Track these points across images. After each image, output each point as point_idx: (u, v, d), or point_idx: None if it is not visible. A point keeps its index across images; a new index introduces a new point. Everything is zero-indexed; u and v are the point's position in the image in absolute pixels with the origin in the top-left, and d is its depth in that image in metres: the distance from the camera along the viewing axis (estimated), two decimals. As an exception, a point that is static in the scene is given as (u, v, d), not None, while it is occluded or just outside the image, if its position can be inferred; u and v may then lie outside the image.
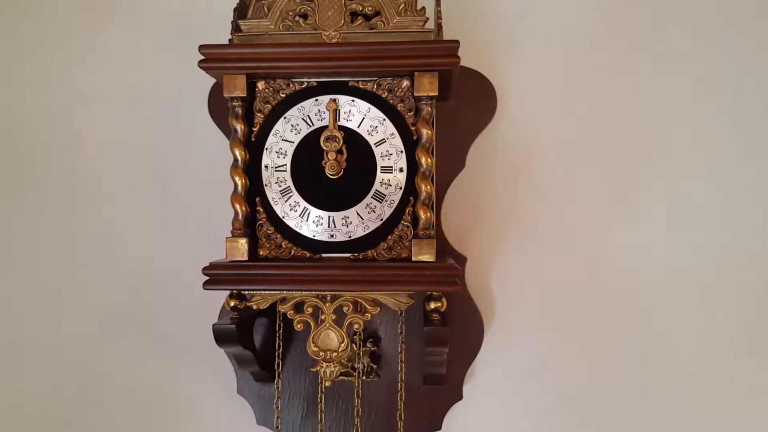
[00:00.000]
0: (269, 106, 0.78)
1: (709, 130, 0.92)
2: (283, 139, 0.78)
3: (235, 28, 0.79)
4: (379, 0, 0.77)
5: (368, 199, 0.77)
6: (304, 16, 0.78)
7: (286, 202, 0.78)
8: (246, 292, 0.80)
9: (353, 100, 0.77)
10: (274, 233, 0.78)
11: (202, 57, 0.75)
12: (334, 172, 0.76)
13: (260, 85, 0.78)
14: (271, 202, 0.78)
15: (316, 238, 0.77)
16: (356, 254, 0.77)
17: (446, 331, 0.78)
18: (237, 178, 0.76)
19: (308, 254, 0.77)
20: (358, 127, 0.77)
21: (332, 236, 0.77)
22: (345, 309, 0.77)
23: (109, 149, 0.99)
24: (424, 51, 0.73)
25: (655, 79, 0.93)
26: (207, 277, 0.76)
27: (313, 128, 0.77)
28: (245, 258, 0.76)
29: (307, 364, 0.91)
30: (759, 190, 0.91)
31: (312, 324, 0.77)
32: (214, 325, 0.79)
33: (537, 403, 0.93)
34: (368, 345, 0.89)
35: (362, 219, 0.77)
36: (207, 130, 0.93)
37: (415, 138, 0.76)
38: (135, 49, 0.99)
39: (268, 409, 0.91)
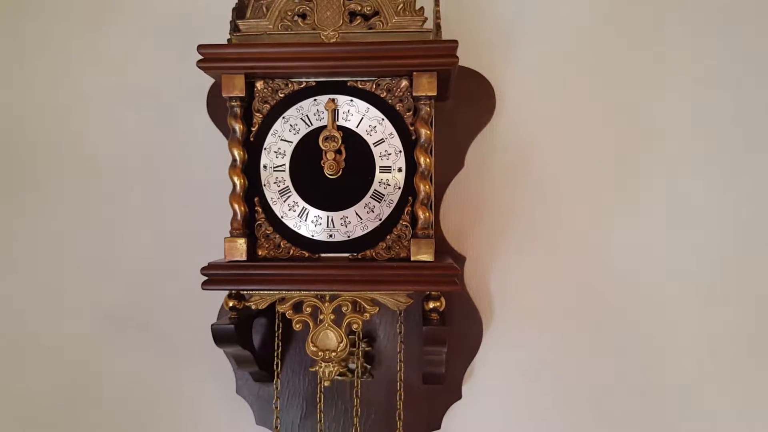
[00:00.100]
0: (268, 105, 0.78)
1: (709, 130, 0.92)
2: (281, 139, 0.78)
3: (234, 28, 0.79)
4: (377, 0, 0.77)
5: (367, 198, 0.77)
6: (303, 16, 0.78)
7: (284, 202, 0.78)
8: (245, 292, 0.80)
9: (352, 100, 0.77)
10: (273, 233, 0.78)
11: (201, 57, 0.75)
12: (333, 172, 0.76)
13: (259, 85, 0.78)
14: (270, 202, 0.78)
15: (314, 238, 0.77)
16: (355, 254, 0.77)
17: (445, 331, 0.78)
18: (235, 178, 0.76)
19: (307, 254, 0.77)
20: (357, 126, 0.77)
21: (331, 236, 0.77)
22: (344, 309, 0.77)
23: (109, 149, 0.99)
24: (423, 51, 0.73)
25: (655, 79, 0.93)
26: (206, 277, 0.76)
27: (311, 128, 0.77)
28: (244, 258, 0.76)
29: (306, 364, 0.91)
30: (759, 190, 0.91)
31: (311, 324, 0.77)
32: (212, 325, 0.79)
33: (536, 403, 0.93)
34: (362, 345, 0.89)
35: (361, 219, 0.77)
36: (206, 130, 0.93)
37: (413, 138, 0.76)
38: (134, 49, 0.99)
39: (268, 409, 0.91)
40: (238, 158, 0.76)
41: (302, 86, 0.78)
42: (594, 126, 0.93)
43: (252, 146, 0.78)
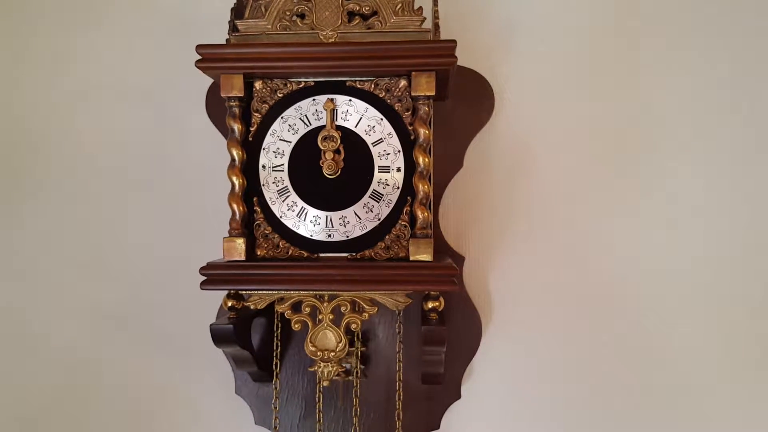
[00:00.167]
0: (266, 105, 0.78)
1: (709, 130, 0.92)
2: (280, 139, 0.78)
3: (233, 28, 0.79)
4: (376, 0, 0.77)
5: (366, 198, 0.77)
6: (302, 16, 0.78)
7: (283, 201, 0.78)
8: (243, 292, 0.80)
9: (351, 100, 0.77)
10: (272, 233, 0.78)
11: (200, 57, 0.75)
12: (332, 172, 0.76)
13: (257, 84, 0.78)
14: (269, 202, 0.78)
15: (313, 237, 0.77)
16: (354, 254, 0.77)
17: (444, 331, 0.77)
18: (234, 178, 0.76)
19: (306, 254, 0.77)
20: (356, 126, 0.77)
21: (330, 236, 0.77)
22: (343, 309, 0.77)
23: (108, 149, 0.99)
24: (422, 51, 0.73)
25: (655, 79, 0.92)
26: (204, 277, 0.76)
27: (310, 128, 0.77)
28: (243, 258, 0.76)
29: (305, 364, 0.91)
30: (759, 190, 0.91)
31: (310, 324, 0.77)
32: (211, 325, 0.79)
33: (535, 403, 0.92)
34: (357, 345, 0.89)
35: (360, 219, 0.77)
36: (205, 130, 0.93)
37: (412, 138, 0.76)
38: (134, 50, 0.99)
39: (267, 409, 0.91)
40: (236, 158, 0.76)
41: (301, 86, 0.78)
42: (593, 126, 0.93)
43: (251, 146, 0.78)
